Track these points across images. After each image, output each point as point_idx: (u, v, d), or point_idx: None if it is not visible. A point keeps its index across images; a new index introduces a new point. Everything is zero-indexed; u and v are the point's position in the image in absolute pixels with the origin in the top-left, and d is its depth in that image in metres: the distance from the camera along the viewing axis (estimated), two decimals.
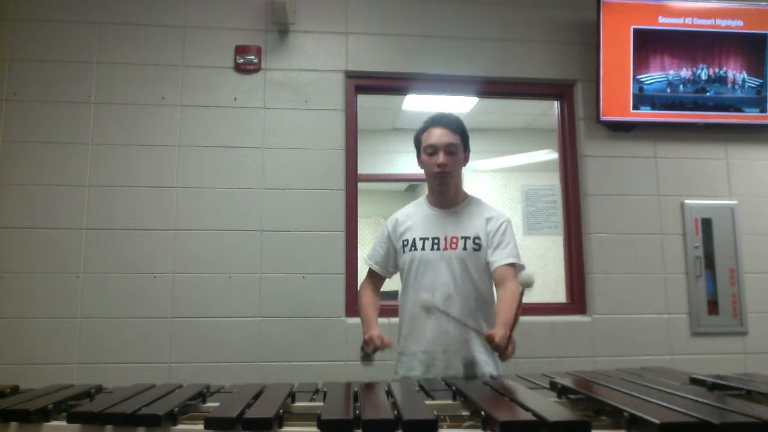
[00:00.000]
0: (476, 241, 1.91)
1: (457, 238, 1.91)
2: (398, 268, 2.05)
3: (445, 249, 1.91)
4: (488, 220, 1.93)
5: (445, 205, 1.98)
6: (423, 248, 1.93)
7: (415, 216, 2.01)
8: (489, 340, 1.60)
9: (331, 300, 2.82)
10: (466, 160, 1.99)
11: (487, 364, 1.88)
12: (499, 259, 1.87)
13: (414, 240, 1.95)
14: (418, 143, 1.99)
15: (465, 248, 1.90)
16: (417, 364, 1.91)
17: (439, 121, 1.93)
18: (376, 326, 1.89)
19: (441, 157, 1.89)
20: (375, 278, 2.08)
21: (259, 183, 2.88)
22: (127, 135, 2.85)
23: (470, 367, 1.83)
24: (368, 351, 1.81)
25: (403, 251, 1.98)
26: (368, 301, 2.02)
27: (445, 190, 1.95)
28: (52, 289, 2.70)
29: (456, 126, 1.93)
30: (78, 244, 2.75)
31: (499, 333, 1.60)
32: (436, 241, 1.93)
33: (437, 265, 1.90)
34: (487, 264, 1.90)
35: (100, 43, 2.91)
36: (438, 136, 1.90)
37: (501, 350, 1.59)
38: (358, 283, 2.94)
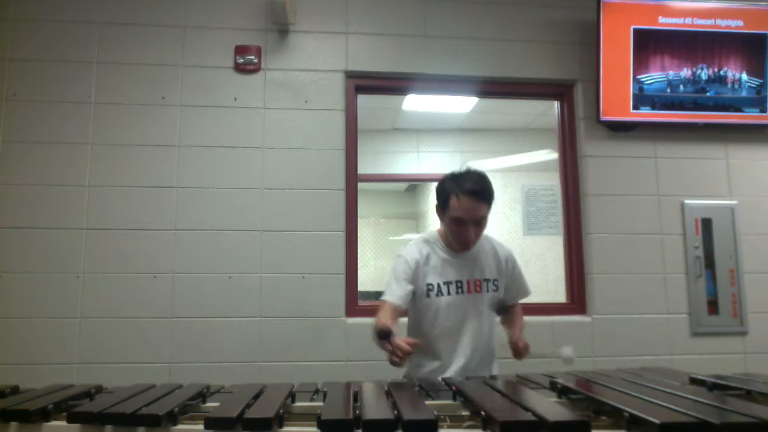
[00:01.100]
0: (495, 283, 1.98)
1: (480, 281, 1.95)
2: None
3: (469, 292, 1.93)
4: (502, 260, 2.00)
5: (463, 250, 1.94)
6: (449, 293, 1.92)
7: (433, 257, 1.93)
8: (516, 345, 1.87)
9: (331, 300, 2.82)
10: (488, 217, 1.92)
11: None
12: (515, 297, 2.07)
13: (439, 285, 1.91)
14: (444, 202, 1.87)
15: (488, 290, 1.96)
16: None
17: (473, 193, 1.79)
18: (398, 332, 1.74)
19: (470, 232, 1.83)
20: (395, 312, 1.85)
21: (259, 183, 2.88)
22: (127, 135, 2.85)
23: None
24: (395, 361, 1.63)
25: (428, 296, 1.92)
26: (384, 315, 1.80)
27: (466, 251, 1.93)
28: (52, 289, 2.71)
29: (488, 196, 1.82)
30: (78, 244, 2.75)
31: (522, 339, 1.89)
32: (459, 284, 1.93)
33: (465, 308, 1.93)
34: (499, 299, 2.03)
35: (100, 43, 2.91)
36: (469, 210, 1.80)
37: (523, 352, 1.87)
38: (358, 282, 2.96)
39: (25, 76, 2.84)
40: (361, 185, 3.03)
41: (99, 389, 1.52)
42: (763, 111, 3.15)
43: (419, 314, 1.95)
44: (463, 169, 1.89)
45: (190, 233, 2.81)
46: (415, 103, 4.36)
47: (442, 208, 1.90)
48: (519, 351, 1.86)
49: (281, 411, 1.17)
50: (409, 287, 1.88)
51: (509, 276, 2.01)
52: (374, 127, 5.10)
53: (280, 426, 1.13)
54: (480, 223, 1.84)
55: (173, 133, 2.88)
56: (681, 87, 3.12)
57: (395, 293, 1.84)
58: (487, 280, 1.96)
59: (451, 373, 1.87)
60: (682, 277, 3.04)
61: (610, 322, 2.96)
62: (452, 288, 1.92)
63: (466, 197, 1.79)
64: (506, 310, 2.08)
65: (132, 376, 2.54)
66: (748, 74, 3.16)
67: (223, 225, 2.83)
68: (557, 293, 3.28)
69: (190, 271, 2.78)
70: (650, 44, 3.10)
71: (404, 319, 1.95)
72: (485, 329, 1.96)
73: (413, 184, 6.14)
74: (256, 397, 1.32)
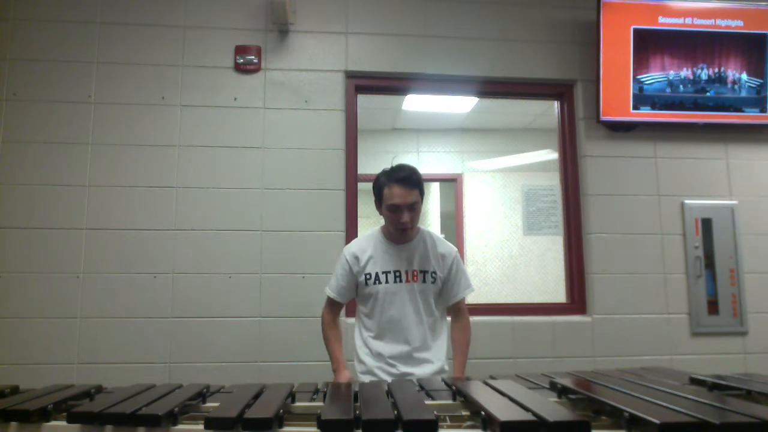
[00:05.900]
0: (433, 275, 2.07)
1: (417, 272, 2.06)
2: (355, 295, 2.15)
3: (407, 281, 2.05)
4: (442, 257, 2.09)
5: (402, 241, 2.09)
6: (386, 281, 2.04)
7: (373, 250, 2.09)
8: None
9: None
10: (421, 204, 2.09)
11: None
12: (458, 292, 2.10)
13: (377, 274, 2.05)
14: (379, 195, 2.03)
15: (425, 281, 2.05)
16: (383, 375, 2.03)
17: (402, 180, 1.96)
18: (345, 367, 2.06)
19: (405, 216, 1.97)
20: (335, 308, 2.15)
21: (259, 183, 2.88)
22: (127, 135, 2.85)
23: None
24: None
25: (366, 284, 2.06)
26: (333, 335, 2.12)
27: (406, 239, 2.07)
28: (52, 289, 2.70)
29: (416, 183, 1.99)
30: (78, 244, 2.75)
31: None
32: (398, 274, 2.05)
33: (402, 296, 2.03)
34: (439, 292, 2.09)
35: (100, 43, 2.91)
36: (401, 196, 1.96)
37: None
38: None
39: (25, 76, 2.84)
40: (361, 185, 3.03)
41: (99, 389, 1.52)
42: (763, 111, 3.15)
43: (363, 305, 2.10)
44: (394, 163, 2.06)
45: (190, 233, 2.81)
46: (415, 103, 4.36)
47: (378, 201, 2.05)
48: None
49: (281, 411, 1.17)
50: (347, 281, 2.08)
51: (446, 269, 2.08)
52: (374, 127, 5.09)
53: (280, 426, 1.13)
54: (413, 207, 1.98)
55: (173, 133, 2.88)
56: (681, 87, 3.12)
57: (335, 287, 2.10)
58: (425, 272, 2.05)
59: (393, 360, 2.01)
60: (682, 277, 3.05)
61: (610, 322, 2.97)
62: (390, 277, 2.04)
63: (396, 185, 1.96)
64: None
65: (132, 376, 2.54)
66: (748, 74, 3.16)
67: (223, 225, 2.83)
68: (557, 293, 3.28)
69: (190, 271, 2.78)
70: (650, 44, 3.10)
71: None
72: (424, 320, 2.04)
73: None
74: (256, 397, 1.32)
